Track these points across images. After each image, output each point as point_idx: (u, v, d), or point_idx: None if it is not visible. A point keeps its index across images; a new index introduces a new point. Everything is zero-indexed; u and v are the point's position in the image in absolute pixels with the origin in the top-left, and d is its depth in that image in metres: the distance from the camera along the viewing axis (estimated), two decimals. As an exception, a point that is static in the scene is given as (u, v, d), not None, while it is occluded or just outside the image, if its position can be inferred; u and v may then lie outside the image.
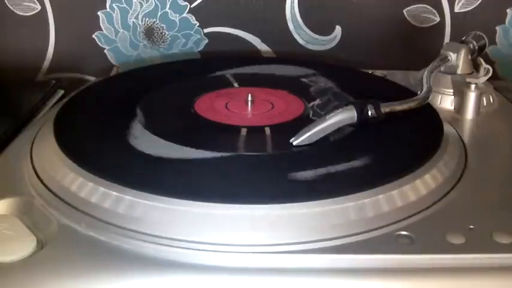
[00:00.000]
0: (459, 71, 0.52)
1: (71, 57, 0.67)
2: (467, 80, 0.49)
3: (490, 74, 0.48)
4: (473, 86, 0.48)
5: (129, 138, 0.41)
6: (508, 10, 0.65)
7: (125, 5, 0.65)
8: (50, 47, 0.67)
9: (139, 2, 0.65)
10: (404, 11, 0.65)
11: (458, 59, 0.52)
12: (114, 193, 0.34)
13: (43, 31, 0.66)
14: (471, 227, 0.33)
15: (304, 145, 0.39)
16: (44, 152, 0.40)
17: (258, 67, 0.57)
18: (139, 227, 0.32)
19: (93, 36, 0.66)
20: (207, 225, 0.32)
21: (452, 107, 0.51)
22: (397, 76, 0.57)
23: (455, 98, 0.50)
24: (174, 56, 0.67)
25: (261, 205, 0.32)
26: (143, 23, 0.66)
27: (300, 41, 0.67)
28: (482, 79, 0.49)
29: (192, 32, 0.67)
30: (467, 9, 0.65)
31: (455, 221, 0.34)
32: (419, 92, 0.46)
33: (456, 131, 0.45)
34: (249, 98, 0.47)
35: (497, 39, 0.66)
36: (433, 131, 0.43)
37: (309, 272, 0.30)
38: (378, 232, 0.32)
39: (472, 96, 0.48)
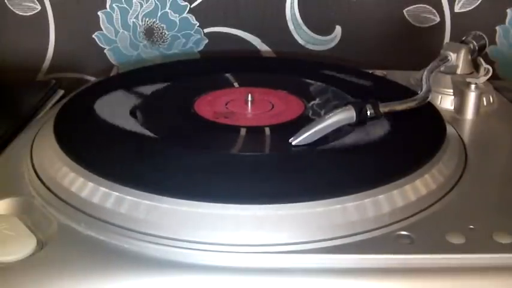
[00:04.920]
0: (459, 71, 0.52)
1: (71, 57, 0.67)
2: (467, 80, 0.49)
3: (490, 74, 0.48)
4: (473, 86, 0.48)
5: (129, 138, 0.41)
6: (508, 10, 0.65)
7: (124, 5, 0.65)
8: (50, 47, 0.67)
9: (139, 2, 0.65)
10: (404, 11, 0.65)
11: (458, 59, 0.52)
12: (115, 193, 0.34)
13: (43, 31, 0.66)
14: (471, 227, 0.33)
15: (303, 145, 0.39)
16: (44, 152, 0.40)
17: (258, 67, 0.57)
18: (140, 227, 0.32)
19: (93, 36, 0.66)
20: (207, 225, 0.32)
21: (452, 107, 0.50)
22: (397, 76, 0.56)
23: (455, 98, 0.50)
24: (174, 56, 0.67)
25: (261, 205, 0.32)
26: (143, 23, 0.66)
27: (300, 41, 0.67)
28: (482, 79, 0.49)
29: (192, 32, 0.67)
30: (467, 9, 0.65)
31: (455, 221, 0.34)
32: (419, 92, 0.46)
33: (456, 131, 0.45)
34: (249, 98, 0.47)
35: (497, 39, 0.66)
36: (434, 131, 0.43)
37: (309, 272, 0.30)
38: (378, 232, 0.32)
39: (472, 96, 0.48)
